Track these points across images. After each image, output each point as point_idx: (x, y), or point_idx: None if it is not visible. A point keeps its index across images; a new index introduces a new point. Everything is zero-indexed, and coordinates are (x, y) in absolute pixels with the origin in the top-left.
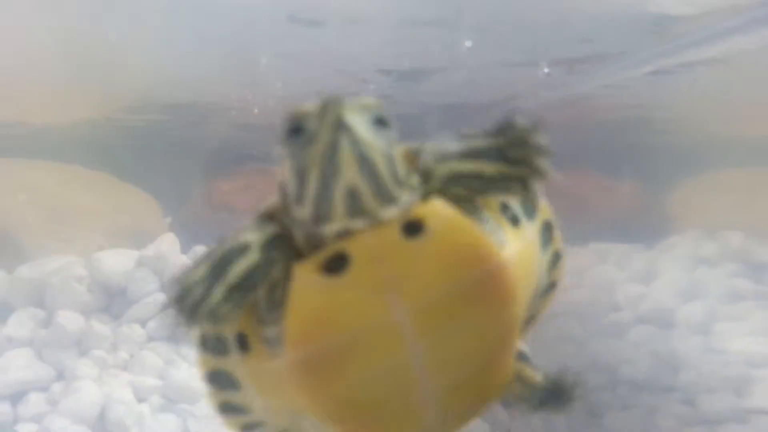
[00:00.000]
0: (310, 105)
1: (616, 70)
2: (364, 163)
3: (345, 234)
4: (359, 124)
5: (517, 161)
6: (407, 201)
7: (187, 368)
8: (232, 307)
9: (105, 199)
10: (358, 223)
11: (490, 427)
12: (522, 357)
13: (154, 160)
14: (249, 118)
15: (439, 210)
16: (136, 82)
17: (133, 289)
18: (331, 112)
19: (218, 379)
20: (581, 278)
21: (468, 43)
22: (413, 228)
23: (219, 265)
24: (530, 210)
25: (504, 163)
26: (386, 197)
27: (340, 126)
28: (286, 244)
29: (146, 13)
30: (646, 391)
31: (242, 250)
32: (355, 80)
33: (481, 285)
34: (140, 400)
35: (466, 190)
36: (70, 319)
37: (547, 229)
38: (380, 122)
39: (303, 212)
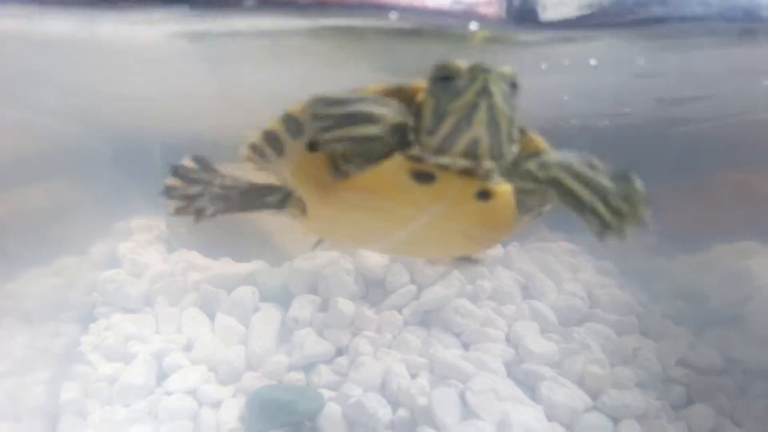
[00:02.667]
0: (463, 63)
1: None
2: (492, 125)
3: (445, 166)
4: (498, 92)
5: (615, 210)
6: (507, 158)
7: (443, 349)
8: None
9: None
10: (465, 163)
11: None
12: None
13: None
14: None
15: (508, 194)
16: None
17: (390, 281)
18: (480, 77)
19: (270, 139)
20: None
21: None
22: (485, 194)
23: (347, 119)
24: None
25: (602, 203)
26: (497, 153)
27: (484, 91)
28: (402, 136)
29: None
30: None
31: (372, 120)
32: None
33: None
34: (412, 375)
35: (542, 193)
36: (345, 305)
37: None
38: (513, 86)
39: (429, 141)
